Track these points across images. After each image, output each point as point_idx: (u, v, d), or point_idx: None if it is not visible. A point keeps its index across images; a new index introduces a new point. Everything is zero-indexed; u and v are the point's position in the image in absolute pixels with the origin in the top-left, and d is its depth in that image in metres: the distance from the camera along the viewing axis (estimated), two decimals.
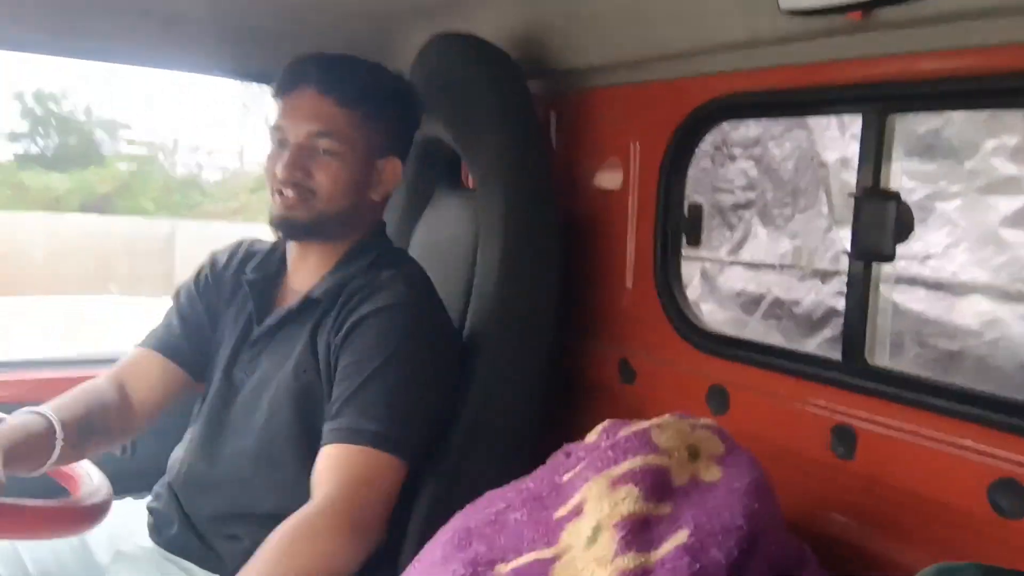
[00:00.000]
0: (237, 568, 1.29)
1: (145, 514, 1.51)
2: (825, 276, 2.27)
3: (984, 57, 1.09)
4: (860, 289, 1.24)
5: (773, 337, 2.18)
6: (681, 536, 0.89)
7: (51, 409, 1.30)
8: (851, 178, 2.31)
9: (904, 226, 1.17)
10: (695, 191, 1.60)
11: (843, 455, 1.26)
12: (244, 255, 1.58)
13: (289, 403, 1.36)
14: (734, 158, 1.90)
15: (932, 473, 1.16)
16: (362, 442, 1.26)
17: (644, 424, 1.06)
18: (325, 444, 1.28)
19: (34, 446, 1.24)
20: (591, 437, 1.12)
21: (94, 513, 1.29)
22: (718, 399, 1.43)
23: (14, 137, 13.46)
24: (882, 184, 1.21)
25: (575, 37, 1.63)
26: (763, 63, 1.34)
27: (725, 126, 1.79)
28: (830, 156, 2.33)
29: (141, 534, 1.48)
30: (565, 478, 1.05)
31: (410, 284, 1.40)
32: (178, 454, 1.50)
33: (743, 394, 1.40)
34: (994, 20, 1.05)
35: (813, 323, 2.16)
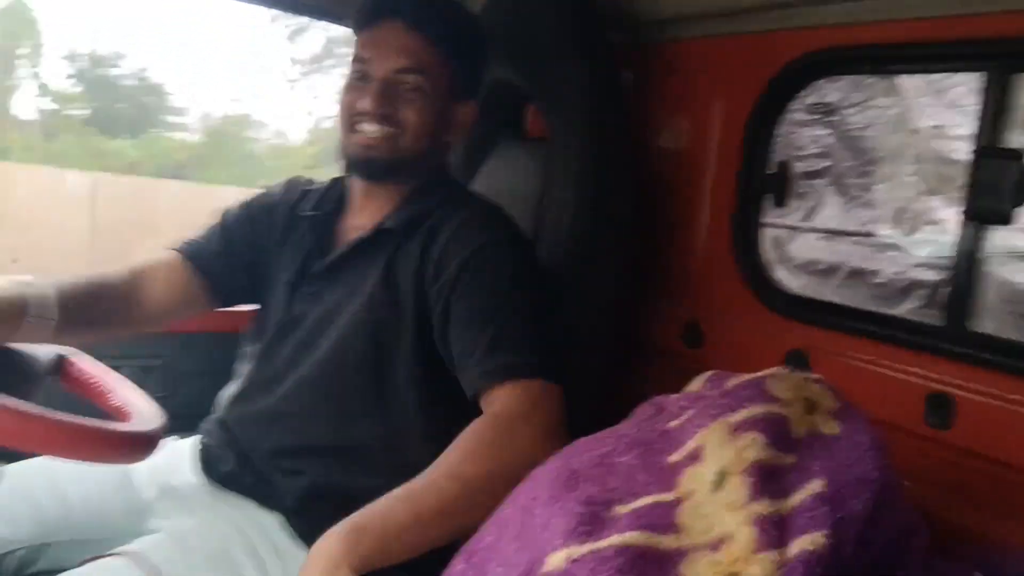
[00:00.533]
0: (295, 503, 1.27)
1: (191, 452, 1.45)
2: (910, 246, 2.22)
3: None
4: (969, 251, 1.19)
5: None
6: (816, 485, 0.84)
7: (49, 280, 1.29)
8: (945, 146, 2.26)
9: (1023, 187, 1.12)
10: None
11: (938, 425, 1.21)
12: (299, 194, 1.52)
13: (360, 336, 1.30)
14: (807, 124, 1.86)
15: None
16: (526, 375, 1.19)
17: (755, 375, 1.01)
18: (485, 385, 1.20)
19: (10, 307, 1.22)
20: (694, 386, 1.07)
21: (146, 442, 1.23)
22: (798, 364, 1.38)
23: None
24: (1001, 144, 1.16)
25: None
26: (871, 16, 1.29)
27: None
28: (923, 123, 2.28)
29: (188, 471, 1.42)
30: (671, 424, 0.99)
31: (503, 220, 1.35)
32: (231, 390, 1.44)
33: (826, 359, 1.36)
34: None
35: (897, 293, 2.12)
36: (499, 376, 1.19)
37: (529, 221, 1.54)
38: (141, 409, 1.29)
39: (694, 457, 0.91)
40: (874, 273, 2.21)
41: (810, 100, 1.58)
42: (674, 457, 0.93)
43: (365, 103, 1.30)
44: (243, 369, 1.45)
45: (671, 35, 1.60)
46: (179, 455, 1.45)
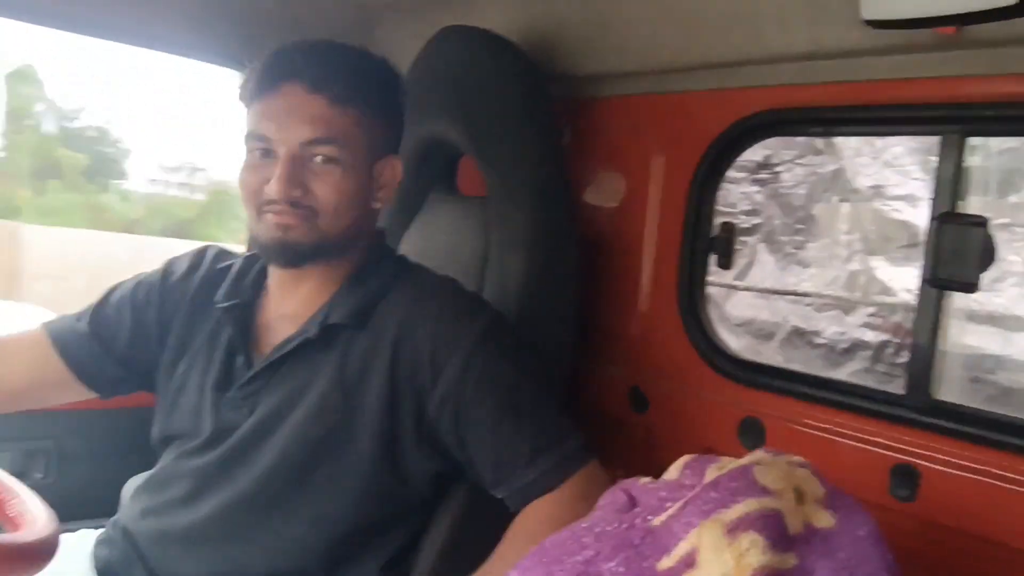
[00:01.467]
0: None
1: (86, 553, 1.28)
2: (850, 307, 2.23)
3: None
4: (930, 318, 1.17)
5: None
6: None
7: None
8: (883, 206, 2.29)
9: (987, 254, 1.11)
10: None
11: (904, 497, 1.18)
12: (209, 270, 1.35)
13: (306, 449, 1.16)
14: (736, 182, 1.84)
15: (1006, 516, 1.09)
16: (576, 466, 1.14)
17: (737, 462, 0.95)
18: (542, 493, 1.13)
19: None
20: (671, 474, 0.99)
21: (38, 553, 1.07)
22: (753, 433, 1.34)
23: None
24: (959, 210, 1.15)
25: (596, 40, 1.52)
26: (822, 77, 1.27)
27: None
28: (862, 183, 2.30)
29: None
30: (655, 522, 0.92)
31: (474, 301, 1.25)
32: (138, 491, 1.27)
33: (783, 428, 1.32)
34: None
35: (839, 355, 2.12)
36: (552, 479, 1.13)
37: (470, 282, 1.46)
38: (30, 512, 1.13)
39: (689, 563, 0.84)
40: (816, 333, 2.22)
41: (740, 158, 1.56)
42: (665, 563, 0.85)
43: (271, 188, 1.13)
44: (157, 472, 1.28)
45: (612, 91, 1.56)
46: (71, 557, 1.27)
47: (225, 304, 1.27)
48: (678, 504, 0.92)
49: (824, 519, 0.89)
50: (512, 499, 1.15)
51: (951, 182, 1.15)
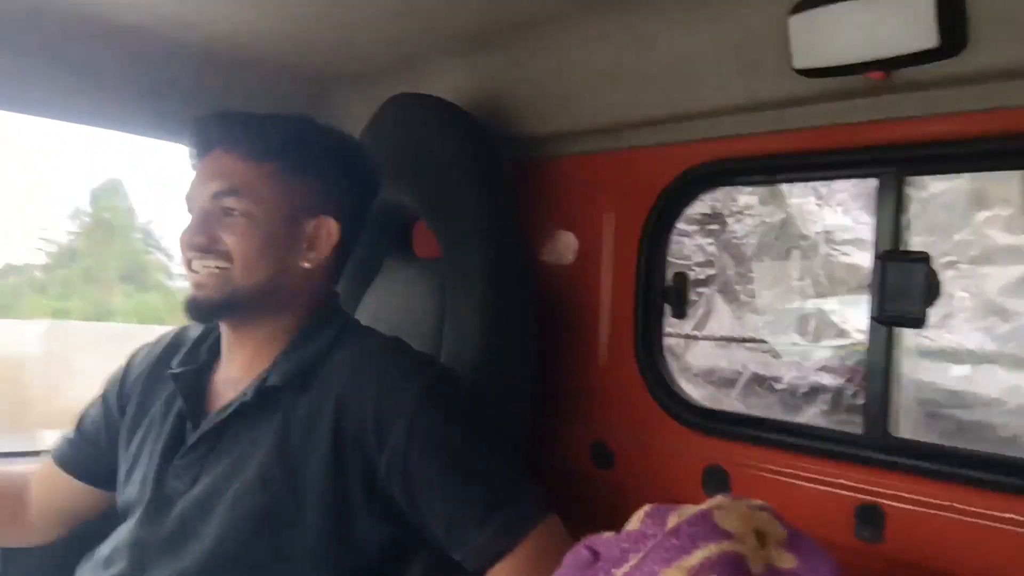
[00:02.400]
0: None
1: None
2: (806, 352, 2.25)
3: (1009, 118, 1.08)
4: (882, 356, 1.19)
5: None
6: None
7: None
8: (832, 251, 2.33)
9: (932, 290, 1.13)
10: None
11: (870, 538, 1.17)
12: (171, 342, 1.36)
13: (250, 520, 1.12)
14: (689, 234, 1.88)
15: (974, 553, 1.09)
16: (531, 524, 1.11)
17: (697, 508, 0.94)
18: (498, 555, 1.10)
19: None
20: (632, 524, 0.98)
21: None
22: (717, 481, 1.33)
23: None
24: (901, 247, 1.17)
25: (541, 102, 1.55)
26: (759, 128, 1.30)
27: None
28: (810, 229, 2.36)
29: None
30: (618, 574, 0.90)
31: (421, 360, 1.23)
32: (88, 571, 1.23)
33: (747, 475, 1.31)
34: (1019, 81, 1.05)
35: (799, 399, 2.13)
36: (506, 540, 1.10)
37: (427, 345, 1.45)
38: None
39: None
40: (775, 379, 2.23)
41: (692, 211, 1.58)
42: None
43: (182, 236, 1.17)
44: (103, 547, 1.24)
45: (561, 151, 1.58)
46: None
47: (176, 370, 1.26)
48: (640, 554, 0.91)
49: (786, 560, 0.88)
50: (468, 561, 1.11)
51: (891, 221, 1.17)
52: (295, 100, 1.81)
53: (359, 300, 1.63)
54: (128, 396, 1.33)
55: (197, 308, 1.18)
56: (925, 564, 1.13)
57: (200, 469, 1.18)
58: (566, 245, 1.58)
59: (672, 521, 0.94)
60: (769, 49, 1.18)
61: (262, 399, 1.18)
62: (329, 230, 1.24)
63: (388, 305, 1.58)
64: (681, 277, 1.45)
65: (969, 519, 1.09)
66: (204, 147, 1.21)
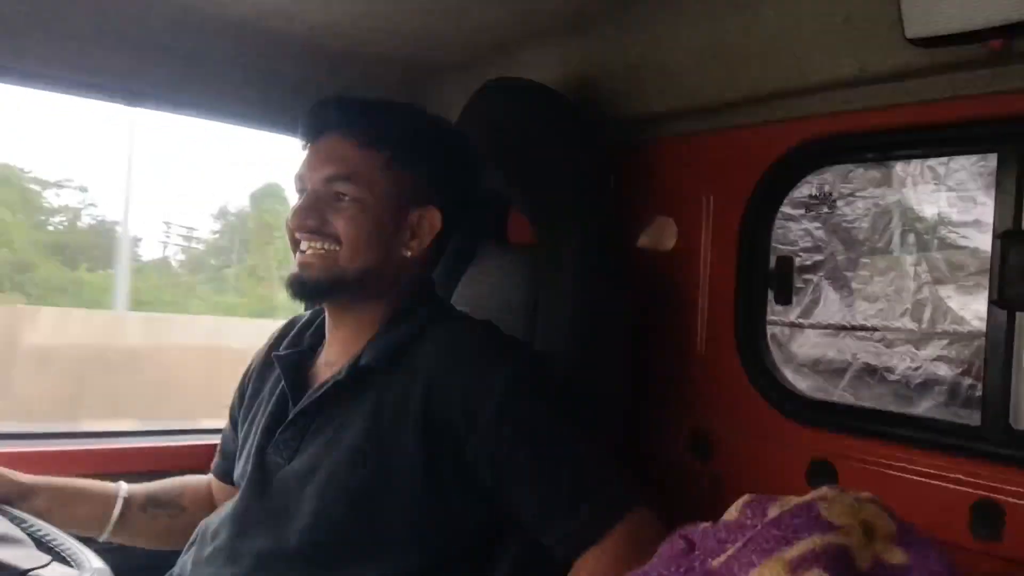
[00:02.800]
0: None
1: None
2: (922, 341, 2.14)
3: None
4: (1002, 343, 1.11)
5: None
6: None
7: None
8: (949, 234, 2.21)
9: None
10: None
11: (987, 537, 1.10)
12: (279, 335, 1.43)
13: (344, 497, 1.14)
14: (795, 218, 1.79)
15: None
16: (620, 514, 1.09)
17: (801, 498, 0.90)
18: (585, 545, 1.09)
19: (91, 498, 1.35)
20: (731, 514, 0.94)
21: None
22: (822, 476, 1.28)
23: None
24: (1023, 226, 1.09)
25: (639, 83, 1.52)
26: (870, 103, 1.24)
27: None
28: (926, 211, 2.23)
29: None
30: (714, 564, 0.87)
31: (510, 343, 1.23)
32: (192, 552, 1.27)
33: (855, 469, 1.25)
34: None
35: (913, 391, 2.02)
36: (597, 528, 1.08)
37: (520, 332, 1.44)
38: (83, 564, 1.14)
39: None
40: (887, 370, 2.12)
41: (798, 194, 1.52)
42: None
43: (292, 216, 1.20)
44: (211, 519, 1.29)
45: (659, 133, 1.54)
46: None
47: (281, 353, 1.32)
48: (738, 544, 0.87)
49: (896, 555, 0.84)
50: (557, 548, 1.10)
51: (1013, 199, 1.09)
52: (393, 89, 1.83)
53: (454, 287, 1.64)
54: (247, 388, 1.41)
55: (301, 287, 1.22)
56: None
57: (298, 445, 1.22)
58: (664, 230, 1.55)
59: (773, 511, 0.91)
60: (880, 18, 1.12)
61: (355, 379, 1.20)
62: (432, 220, 1.26)
63: (482, 292, 1.57)
64: (786, 261, 1.39)
65: None
66: (319, 129, 1.24)
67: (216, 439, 1.53)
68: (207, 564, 1.21)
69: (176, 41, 1.60)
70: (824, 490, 0.92)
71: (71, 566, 1.11)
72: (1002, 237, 1.09)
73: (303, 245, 1.21)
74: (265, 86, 1.73)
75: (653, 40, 1.44)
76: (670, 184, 1.54)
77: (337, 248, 1.20)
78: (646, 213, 1.57)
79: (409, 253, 1.25)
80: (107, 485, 1.38)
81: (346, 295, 1.24)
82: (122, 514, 1.36)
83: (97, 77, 1.58)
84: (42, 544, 1.16)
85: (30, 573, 0.99)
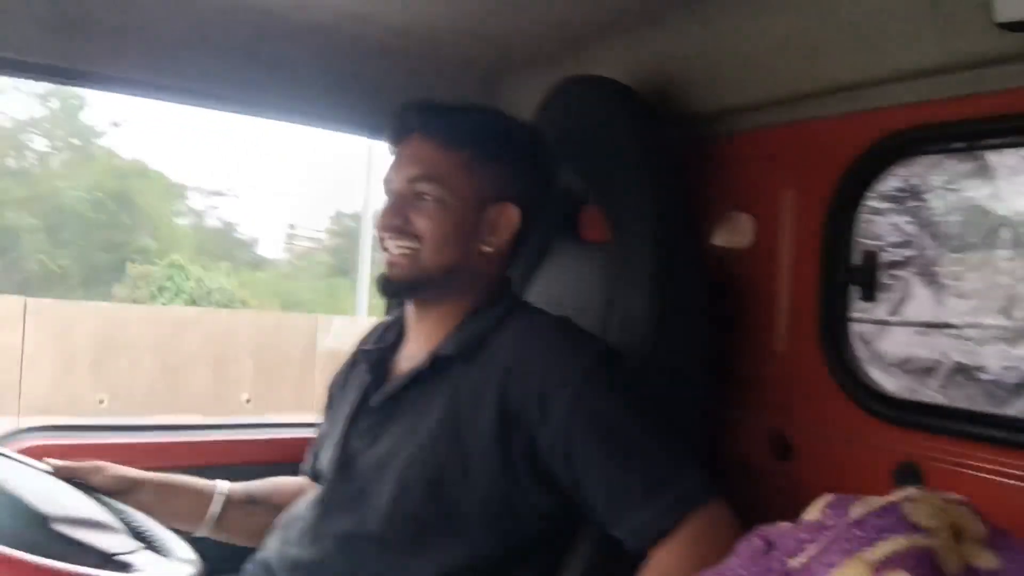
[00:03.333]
0: None
1: None
2: (1017, 339, 2.06)
3: None
4: None
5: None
6: None
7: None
8: None
9: None
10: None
11: None
12: (366, 336, 1.48)
13: (422, 482, 1.18)
14: (882, 212, 1.73)
15: None
16: (694, 505, 1.09)
17: (885, 499, 0.87)
18: (658, 537, 1.09)
19: (192, 494, 1.40)
20: (812, 514, 0.92)
21: None
22: (910, 478, 1.23)
23: None
24: None
25: (713, 77, 1.49)
26: (958, 91, 1.19)
27: None
28: (1021, 204, 2.15)
29: None
30: (793, 563, 0.85)
31: (585, 336, 1.24)
32: (279, 533, 1.32)
33: (944, 471, 1.20)
34: None
35: (1007, 391, 1.95)
36: (669, 520, 1.08)
37: (595, 329, 1.43)
38: (174, 554, 1.18)
39: None
40: (980, 368, 2.04)
41: (886, 187, 1.47)
42: None
43: (379, 217, 1.25)
44: (299, 505, 1.34)
45: (736, 127, 1.52)
46: None
47: (366, 348, 1.38)
48: (818, 545, 0.85)
49: (987, 559, 0.80)
50: (628, 539, 1.11)
51: None
52: (469, 89, 1.85)
53: (528, 284, 1.64)
54: (336, 388, 1.47)
55: (388, 285, 1.27)
56: None
57: (379, 432, 1.26)
58: (741, 226, 1.51)
59: (856, 512, 0.88)
60: (967, 2, 1.08)
61: (435, 369, 1.24)
62: (510, 216, 1.29)
63: (556, 289, 1.57)
64: (871, 256, 1.35)
65: None
66: (402, 133, 1.29)
67: (303, 433, 1.57)
68: (292, 545, 1.26)
69: (259, 46, 1.65)
70: (910, 491, 0.88)
71: (163, 555, 1.16)
72: None
73: (388, 244, 1.26)
74: (343, 89, 1.77)
75: (727, 32, 1.42)
76: (748, 179, 1.51)
77: (419, 247, 1.24)
78: (724, 209, 1.55)
79: (488, 248, 1.29)
80: (207, 482, 1.43)
81: (430, 292, 1.28)
82: (223, 510, 1.41)
83: (186, 81, 1.64)
84: (138, 534, 1.21)
85: (116, 557, 1.03)
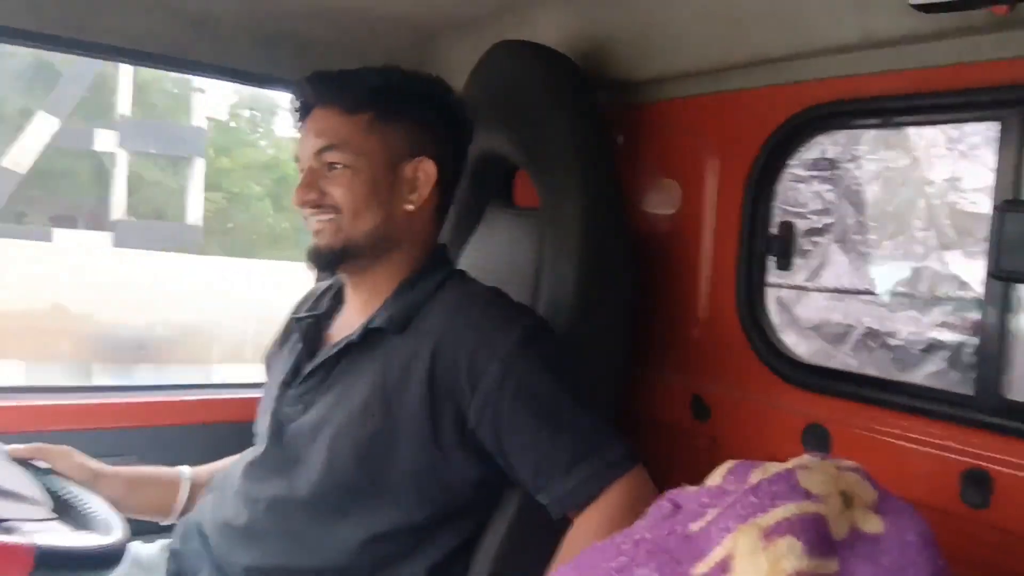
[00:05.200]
0: None
1: (160, 558, 1.35)
2: (926, 306, 2.13)
3: None
4: (997, 313, 1.11)
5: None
6: None
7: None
8: (959, 199, 2.19)
9: None
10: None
11: (976, 504, 1.11)
12: (303, 300, 1.49)
13: (352, 449, 1.20)
14: (805, 180, 1.77)
15: None
16: (618, 473, 1.13)
17: (782, 466, 0.91)
18: (580, 502, 1.13)
19: (157, 486, 1.42)
20: (714, 479, 0.97)
21: (108, 556, 1.12)
22: (817, 440, 1.29)
23: None
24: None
25: (645, 46, 1.51)
26: (875, 67, 1.22)
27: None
28: (937, 176, 2.20)
29: None
30: (693, 527, 0.89)
31: (517, 309, 1.26)
32: (212, 496, 1.34)
33: (848, 434, 1.26)
34: None
35: (915, 356, 2.02)
36: (591, 488, 1.12)
37: (525, 294, 1.46)
38: (101, 517, 1.19)
39: (723, 568, 0.81)
40: (890, 334, 2.12)
41: (810, 155, 1.51)
42: (700, 568, 0.83)
43: (294, 195, 1.25)
44: (230, 468, 1.36)
45: (664, 95, 1.53)
46: (146, 563, 1.35)
47: (300, 316, 1.39)
48: (717, 509, 0.89)
49: (873, 524, 0.85)
50: (552, 507, 1.15)
51: (1014, 168, 1.08)
52: (402, 50, 1.83)
53: (461, 248, 1.65)
54: (272, 352, 1.47)
55: (318, 256, 1.27)
56: None
57: (311, 400, 1.28)
58: (668, 192, 1.54)
59: (754, 478, 0.93)
60: None
61: (367, 340, 1.25)
62: (427, 171, 1.29)
63: (488, 254, 1.59)
64: (787, 226, 1.39)
65: None
66: (305, 108, 1.28)
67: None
68: (224, 509, 1.28)
69: (185, 2, 1.61)
70: (805, 458, 0.93)
71: (90, 529, 1.17)
72: (1001, 208, 1.08)
73: (311, 220, 1.26)
74: (274, 47, 1.74)
75: (658, 1, 1.43)
76: (675, 147, 1.54)
77: (339, 216, 1.24)
78: (651, 176, 1.57)
79: (410, 207, 1.29)
80: (171, 471, 1.45)
81: (357, 259, 1.27)
82: (189, 498, 1.43)
83: (110, 39, 1.60)
84: (67, 506, 1.22)
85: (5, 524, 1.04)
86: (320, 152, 1.24)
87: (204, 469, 1.47)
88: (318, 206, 1.24)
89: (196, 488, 1.44)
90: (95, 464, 1.36)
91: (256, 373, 1.57)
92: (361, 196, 1.24)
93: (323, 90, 1.26)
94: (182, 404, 1.84)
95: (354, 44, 1.79)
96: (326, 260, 1.27)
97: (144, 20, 1.61)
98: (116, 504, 1.24)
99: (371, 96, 1.25)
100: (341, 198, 1.23)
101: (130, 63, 1.87)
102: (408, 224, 1.29)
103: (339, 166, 1.23)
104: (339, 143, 1.23)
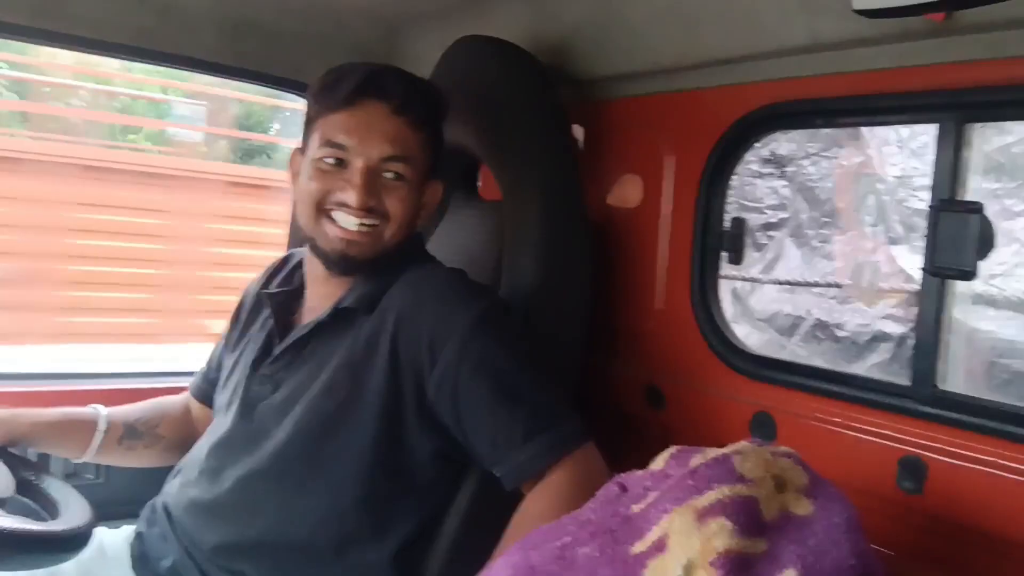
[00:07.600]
0: None
1: (125, 543, 1.36)
2: (872, 299, 2.19)
3: None
4: (933, 308, 1.16)
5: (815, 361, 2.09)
6: (789, 575, 0.78)
7: (107, 408, 1.47)
8: (909, 196, 2.24)
9: (986, 241, 1.09)
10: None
11: (911, 490, 1.16)
12: (273, 271, 1.50)
13: (318, 422, 1.22)
14: (761, 176, 1.81)
15: (1014, 509, 1.07)
16: (570, 448, 1.15)
17: (720, 451, 0.96)
18: (533, 474, 1.15)
19: (75, 430, 1.42)
20: (656, 464, 1.01)
21: (73, 540, 1.15)
22: (764, 427, 1.34)
23: None
24: (959, 196, 1.13)
25: (604, 43, 1.54)
26: (822, 69, 1.27)
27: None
28: (888, 173, 2.26)
29: (121, 565, 1.33)
30: (635, 509, 0.93)
31: (477, 288, 1.29)
32: (179, 476, 1.36)
33: (793, 422, 1.31)
34: None
35: (860, 347, 2.08)
36: (545, 460, 1.14)
37: (489, 283, 1.49)
38: (66, 502, 1.21)
39: (659, 547, 0.85)
40: (838, 326, 2.18)
41: (765, 152, 1.56)
42: (638, 547, 0.87)
43: (348, 195, 1.23)
44: (196, 447, 1.38)
45: (622, 92, 1.57)
46: (111, 549, 1.36)
47: (271, 291, 1.40)
48: (657, 492, 0.93)
49: (803, 507, 0.90)
50: (506, 478, 1.17)
51: (949, 169, 1.13)
52: (368, 43, 1.85)
53: (425, 240, 1.68)
54: (241, 317, 1.48)
55: (349, 263, 1.27)
56: (964, 518, 1.11)
57: (281, 379, 1.30)
58: (626, 187, 1.58)
59: (694, 463, 0.97)
60: None
61: (337, 319, 1.28)
62: (436, 193, 1.35)
63: (451, 245, 1.62)
64: (739, 223, 1.44)
65: (1011, 476, 1.07)
66: (360, 96, 1.24)
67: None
68: (190, 487, 1.30)
69: None
70: (742, 444, 0.98)
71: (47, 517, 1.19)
72: (936, 207, 1.13)
73: (351, 222, 1.24)
74: (239, 37, 1.75)
75: (618, 1, 1.46)
76: (633, 143, 1.57)
77: (385, 225, 1.26)
78: (610, 171, 1.61)
79: (421, 223, 1.35)
80: (87, 415, 1.45)
81: (381, 266, 1.29)
82: (102, 444, 1.45)
83: (77, 29, 1.61)
84: (31, 489, 1.24)
85: None
86: (387, 160, 1.24)
87: (119, 417, 1.49)
88: (371, 211, 1.24)
89: (109, 438, 1.46)
90: (4, 412, 1.37)
91: None
92: (409, 211, 1.27)
93: (401, 98, 1.24)
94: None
95: (321, 36, 1.81)
96: (355, 266, 1.28)
97: (110, 9, 1.62)
98: (35, 444, 1.33)
99: (433, 117, 1.29)
100: (394, 209, 1.25)
101: (97, 54, 1.86)
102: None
103: (399, 178, 1.25)
104: (408, 157, 1.25)
